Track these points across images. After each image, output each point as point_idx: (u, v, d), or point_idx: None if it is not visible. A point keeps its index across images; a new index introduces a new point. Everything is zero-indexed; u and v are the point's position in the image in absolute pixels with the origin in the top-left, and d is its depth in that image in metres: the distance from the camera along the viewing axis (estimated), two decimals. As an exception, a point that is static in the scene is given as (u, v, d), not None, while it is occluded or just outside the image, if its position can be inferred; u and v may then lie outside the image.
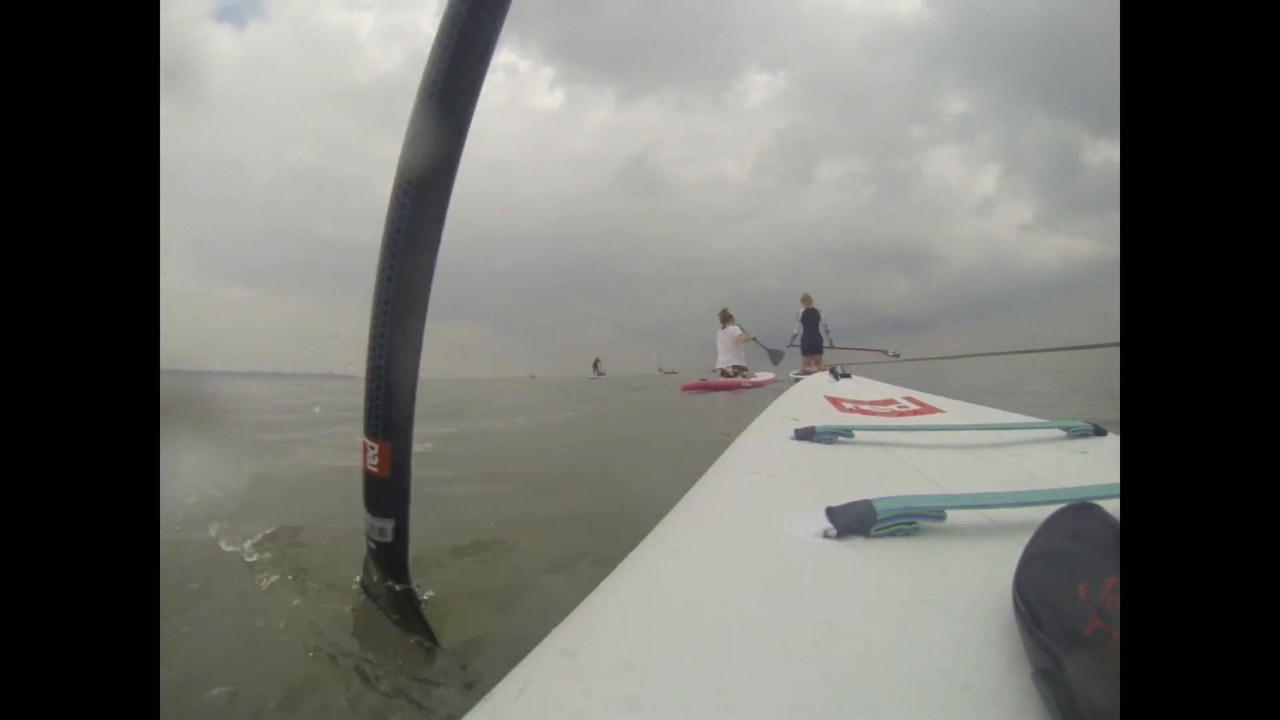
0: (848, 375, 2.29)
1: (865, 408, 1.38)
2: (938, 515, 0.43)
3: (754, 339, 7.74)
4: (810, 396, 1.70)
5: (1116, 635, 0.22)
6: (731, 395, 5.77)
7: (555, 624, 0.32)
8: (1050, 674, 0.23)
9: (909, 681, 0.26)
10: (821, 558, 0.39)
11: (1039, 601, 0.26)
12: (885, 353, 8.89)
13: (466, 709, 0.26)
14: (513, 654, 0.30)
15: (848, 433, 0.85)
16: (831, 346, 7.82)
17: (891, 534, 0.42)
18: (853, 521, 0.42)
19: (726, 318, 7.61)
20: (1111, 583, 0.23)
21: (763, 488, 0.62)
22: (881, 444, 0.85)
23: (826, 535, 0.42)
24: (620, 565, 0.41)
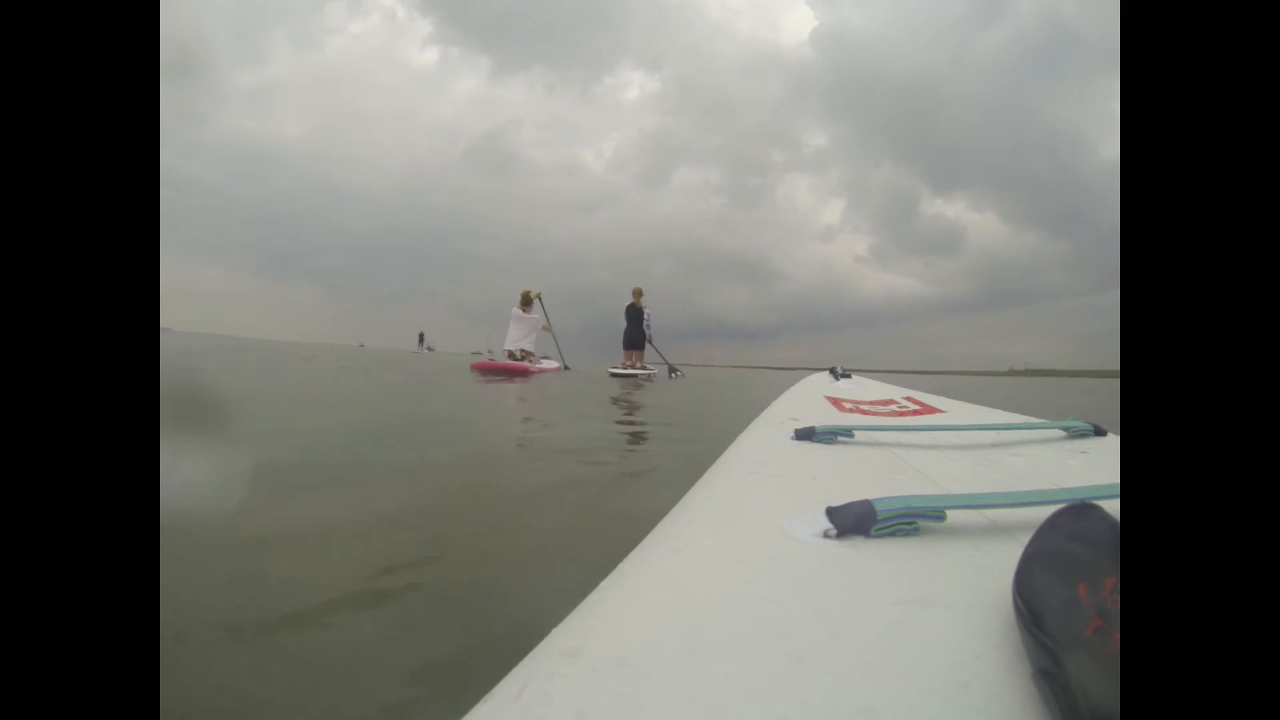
0: (848, 375, 2.29)
1: (865, 408, 1.38)
2: (938, 515, 0.43)
3: (551, 333, 7.68)
4: (810, 396, 1.70)
5: (1116, 635, 0.22)
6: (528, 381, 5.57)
7: (555, 624, 0.32)
8: (1050, 674, 0.23)
9: (909, 681, 0.26)
10: (821, 558, 0.39)
11: (1039, 601, 0.26)
12: (672, 370, 8.50)
13: (466, 708, 0.25)
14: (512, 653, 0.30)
15: (848, 433, 0.85)
16: (649, 343, 7.95)
17: (891, 534, 0.42)
18: (853, 521, 0.42)
19: (528, 300, 7.41)
20: (1111, 583, 0.23)
21: (763, 488, 0.62)
22: (881, 444, 0.85)
23: (826, 535, 0.42)
24: (620, 565, 0.41)
